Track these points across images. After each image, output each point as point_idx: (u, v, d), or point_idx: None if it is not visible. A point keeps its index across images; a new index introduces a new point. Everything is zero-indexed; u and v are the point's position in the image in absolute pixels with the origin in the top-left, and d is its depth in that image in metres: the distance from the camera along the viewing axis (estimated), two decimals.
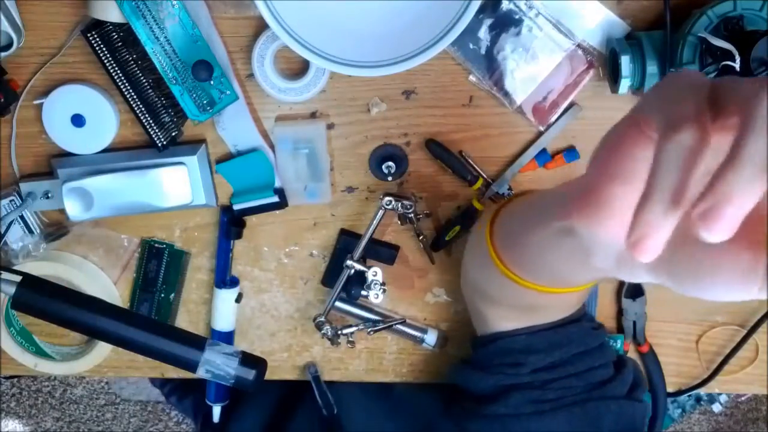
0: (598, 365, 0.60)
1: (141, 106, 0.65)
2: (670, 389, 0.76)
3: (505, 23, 0.64)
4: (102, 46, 0.63)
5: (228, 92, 0.65)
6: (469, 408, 0.62)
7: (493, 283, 0.56)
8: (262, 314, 0.75)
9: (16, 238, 0.70)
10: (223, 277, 0.72)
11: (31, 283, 0.46)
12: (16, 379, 1.69)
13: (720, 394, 1.67)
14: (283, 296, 0.74)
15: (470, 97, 0.67)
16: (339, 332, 0.71)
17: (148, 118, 0.65)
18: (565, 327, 0.59)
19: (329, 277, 0.72)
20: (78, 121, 0.66)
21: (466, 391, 0.64)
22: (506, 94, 0.66)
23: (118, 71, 0.64)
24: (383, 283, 0.68)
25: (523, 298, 0.56)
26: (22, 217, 0.69)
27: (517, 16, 0.64)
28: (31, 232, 0.70)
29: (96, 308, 0.47)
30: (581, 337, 0.60)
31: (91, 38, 0.62)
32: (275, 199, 0.69)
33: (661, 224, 0.28)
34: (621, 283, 0.73)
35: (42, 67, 0.66)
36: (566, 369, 0.59)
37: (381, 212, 0.67)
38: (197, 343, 0.48)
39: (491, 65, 0.65)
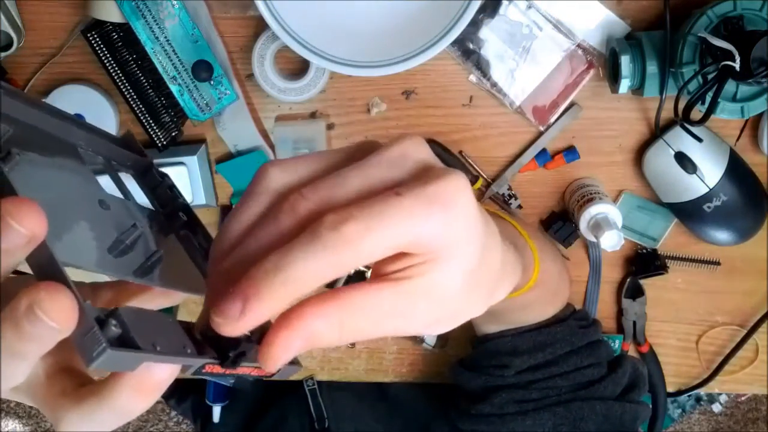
0: (587, 365, 0.59)
1: (141, 106, 0.65)
2: (670, 389, 0.76)
3: (505, 23, 0.64)
4: (102, 46, 0.63)
5: (228, 92, 0.65)
6: (462, 407, 0.63)
7: None
8: None
9: None
10: None
11: None
12: None
13: (720, 394, 1.67)
14: None
15: (470, 97, 0.67)
16: None
17: (148, 118, 0.65)
18: (550, 327, 0.60)
19: None
20: None
21: (460, 390, 0.65)
22: (506, 94, 0.66)
23: (118, 71, 0.64)
24: None
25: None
26: None
27: (517, 17, 0.64)
28: None
29: None
30: (567, 337, 0.60)
31: (91, 38, 0.62)
32: None
33: None
34: (621, 283, 0.73)
35: (42, 67, 0.66)
36: (551, 369, 0.59)
37: None
38: None
39: (491, 65, 0.65)
